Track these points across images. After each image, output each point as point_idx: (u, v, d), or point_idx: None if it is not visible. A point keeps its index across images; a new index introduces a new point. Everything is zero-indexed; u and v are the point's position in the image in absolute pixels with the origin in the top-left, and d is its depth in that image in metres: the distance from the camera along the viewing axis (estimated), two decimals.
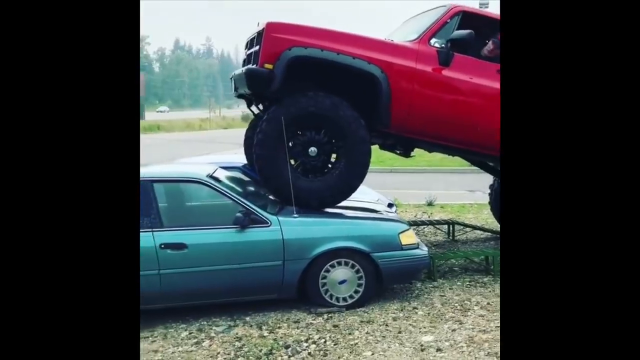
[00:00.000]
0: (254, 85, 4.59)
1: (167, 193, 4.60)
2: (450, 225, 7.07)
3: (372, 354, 3.58)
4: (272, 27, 4.59)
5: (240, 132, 6.88)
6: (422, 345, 3.69)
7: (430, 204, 9.57)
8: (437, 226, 7.29)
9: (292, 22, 4.73)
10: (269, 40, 4.55)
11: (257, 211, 4.32)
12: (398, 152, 5.68)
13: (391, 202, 6.48)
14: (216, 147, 19.87)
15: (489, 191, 7.35)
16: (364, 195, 6.06)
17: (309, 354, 3.62)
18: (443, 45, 4.94)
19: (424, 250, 4.69)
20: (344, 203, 5.02)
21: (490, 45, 5.15)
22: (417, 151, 5.91)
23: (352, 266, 4.39)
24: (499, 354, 3.54)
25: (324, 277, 4.35)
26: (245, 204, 4.33)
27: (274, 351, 3.66)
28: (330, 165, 4.83)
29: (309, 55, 4.56)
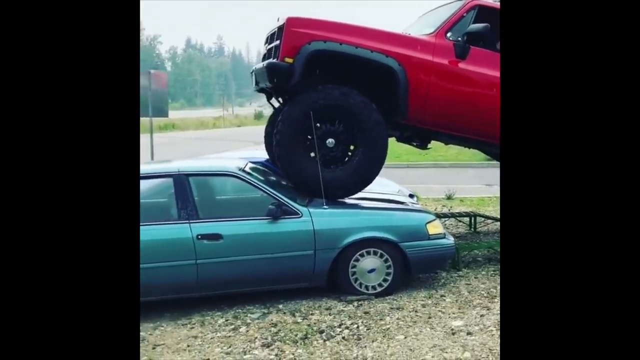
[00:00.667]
0: (275, 79, 4.72)
1: (202, 186, 4.75)
2: (472, 218, 7.17)
3: (405, 338, 3.72)
4: (292, 21, 4.71)
5: (253, 130, 7.05)
6: (452, 330, 3.82)
7: (449, 198, 9.67)
8: (459, 218, 7.38)
9: (312, 17, 4.83)
10: (289, 34, 4.67)
11: (288, 203, 4.47)
12: (415, 144, 5.77)
13: (411, 193, 6.60)
14: (231, 145, 20.08)
15: None
16: (386, 187, 6.19)
17: (343, 338, 3.76)
18: (459, 39, 5.03)
19: (450, 240, 4.81)
20: (371, 195, 5.15)
21: None
22: (433, 146, 6.03)
23: (381, 255, 4.53)
24: None
25: (354, 266, 4.49)
26: (277, 196, 4.48)
27: (309, 336, 3.81)
28: (350, 154, 4.92)
29: (328, 49, 4.67)
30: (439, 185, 10.74)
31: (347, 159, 4.92)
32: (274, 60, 4.77)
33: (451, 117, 5.10)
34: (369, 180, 4.95)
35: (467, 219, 7.31)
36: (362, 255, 4.50)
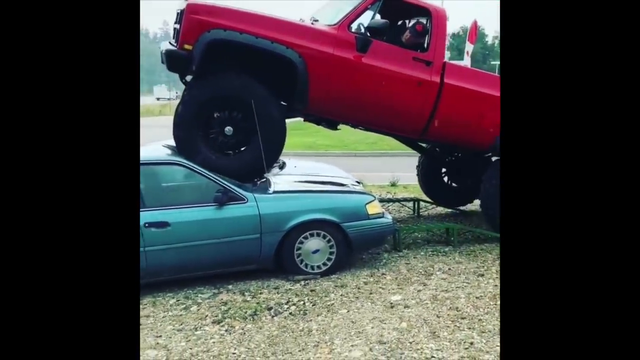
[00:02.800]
0: (173, 66, 4.73)
1: (148, 175, 4.79)
2: (416, 203, 7.54)
3: (348, 312, 3.99)
4: (192, 7, 4.64)
5: None
6: (391, 303, 4.12)
7: (393, 185, 10.04)
8: (403, 203, 7.74)
9: (213, 4, 4.79)
10: (189, 21, 4.61)
11: (234, 189, 4.64)
12: (323, 125, 5.96)
13: (358, 180, 6.88)
14: None
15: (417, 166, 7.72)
16: (334, 172, 6.43)
17: (290, 313, 4.00)
18: (361, 32, 5.09)
19: (388, 219, 5.13)
20: (313, 178, 5.39)
21: (407, 33, 5.42)
22: (379, 136, 6.31)
23: (324, 237, 4.77)
24: (459, 308, 4.00)
25: (299, 248, 4.72)
26: (223, 182, 4.63)
27: (257, 312, 4.02)
28: (247, 143, 4.98)
29: (227, 38, 4.66)
30: (385, 173, 11.10)
31: (244, 148, 4.99)
32: (173, 48, 4.76)
33: (352, 109, 5.23)
34: (262, 171, 5.04)
35: (410, 204, 7.67)
36: (306, 238, 4.73)
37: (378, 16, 5.23)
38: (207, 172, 4.67)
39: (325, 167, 6.48)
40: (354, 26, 5.21)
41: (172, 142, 4.98)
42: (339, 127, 5.90)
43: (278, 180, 5.21)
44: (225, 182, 4.65)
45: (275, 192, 4.80)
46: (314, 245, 4.77)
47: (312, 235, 4.75)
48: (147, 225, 4.34)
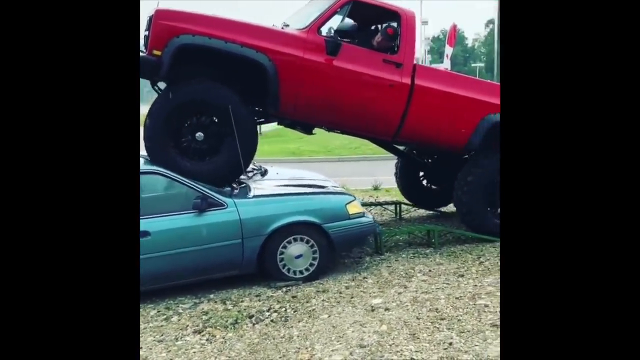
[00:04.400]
0: (142, 72, 4.69)
1: None
2: (397, 206, 7.58)
3: (329, 317, 3.99)
4: (160, 14, 4.67)
5: None
6: (372, 307, 4.13)
7: (376, 188, 10.10)
8: (385, 207, 7.78)
9: (182, 10, 4.80)
10: (157, 27, 4.64)
11: (213, 195, 4.64)
12: (298, 129, 6.01)
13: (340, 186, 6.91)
14: None
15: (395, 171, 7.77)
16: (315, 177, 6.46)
17: (272, 320, 4.00)
18: (331, 35, 5.10)
19: (369, 218, 5.18)
20: (292, 182, 5.41)
21: (378, 36, 5.46)
22: (362, 141, 6.36)
23: (307, 242, 4.78)
24: (438, 309, 4.03)
25: (282, 253, 4.72)
26: (201, 189, 4.63)
27: (238, 321, 4.01)
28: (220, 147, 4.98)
29: (196, 43, 4.67)
30: (368, 178, 11.16)
31: (216, 152, 4.97)
32: (142, 54, 4.74)
33: (324, 112, 5.26)
34: (239, 172, 5.08)
35: (392, 207, 7.72)
36: (289, 242, 4.74)
37: (348, 20, 5.27)
38: (185, 179, 4.67)
39: (306, 174, 6.52)
40: (327, 31, 5.21)
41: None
42: (314, 131, 5.93)
43: (258, 185, 5.23)
44: (204, 189, 4.65)
45: (255, 196, 4.81)
46: (296, 250, 4.78)
47: (295, 240, 4.76)
48: None
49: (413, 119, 5.43)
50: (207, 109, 4.83)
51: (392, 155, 7.33)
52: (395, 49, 5.42)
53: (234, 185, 5.18)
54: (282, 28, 5.31)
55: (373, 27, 5.96)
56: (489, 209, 5.89)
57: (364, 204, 7.52)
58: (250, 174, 5.88)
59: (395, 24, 5.42)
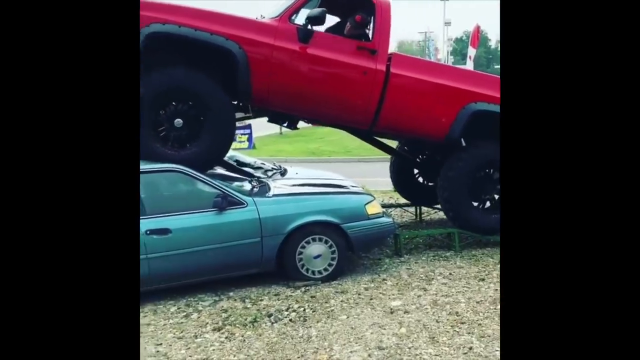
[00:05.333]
0: None
1: (147, 183, 4.81)
2: (418, 207, 7.52)
3: (347, 318, 3.99)
4: None
5: None
6: (391, 309, 4.11)
7: (396, 190, 10.02)
8: (405, 208, 7.73)
9: (156, 1, 4.86)
10: None
11: (233, 194, 4.66)
12: (285, 125, 5.98)
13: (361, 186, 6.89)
14: None
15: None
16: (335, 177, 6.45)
17: (290, 320, 4.00)
18: (303, 23, 5.08)
19: (388, 219, 5.16)
20: (312, 180, 5.41)
21: (347, 25, 5.44)
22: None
23: (326, 242, 4.78)
24: (459, 313, 3.99)
25: (300, 253, 4.73)
26: (222, 188, 4.66)
27: (257, 319, 4.02)
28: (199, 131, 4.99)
29: (166, 31, 4.73)
30: (388, 179, 11.08)
31: (194, 139, 4.97)
32: None
33: (298, 101, 5.24)
34: (222, 155, 5.12)
35: (412, 209, 7.66)
36: (308, 242, 4.74)
37: (319, 8, 5.19)
38: (205, 177, 4.70)
39: (326, 174, 6.51)
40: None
41: None
42: (298, 126, 5.97)
43: (278, 184, 5.24)
44: (225, 187, 4.67)
45: (274, 195, 4.82)
46: (315, 250, 4.78)
47: (314, 240, 4.76)
48: (148, 232, 4.36)
49: (390, 108, 5.36)
50: (184, 95, 4.85)
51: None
52: (370, 36, 5.39)
53: (254, 184, 5.20)
54: (257, 18, 5.31)
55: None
56: (475, 204, 5.79)
57: (383, 206, 7.48)
58: (270, 173, 5.90)
59: (368, 13, 5.38)
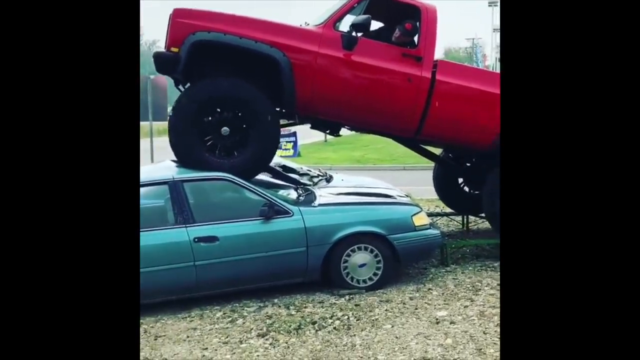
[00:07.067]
0: (161, 67, 4.94)
1: (196, 191, 4.90)
2: (464, 217, 7.38)
3: (392, 327, 3.95)
4: (178, 12, 4.86)
5: None
6: (437, 319, 4.05)
7: (440, 199, 9.86)
8: (451, 217, 7.60)
9: (199, 8, 4.96)
10: (175, 25, 4.84)
11: (279, 203, 4.70)
12: (327, 131, 5.96)
13: (406, 194, 6.82)
14: None
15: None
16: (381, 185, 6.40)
17: (334, 328, 4.00)
18: (348, 30, 5.05)
19: (436, 231, 5.07)
20: (359, 190, 5.39)
21: (397, 31, 5.34)
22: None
23: (371, 251, 4.75)
24: None
25: (345, 262, 4.72)
26: (269, 197, 4.70)
27: (302, 326, 4.04)
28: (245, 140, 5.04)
29: (211, 39, 4.81)
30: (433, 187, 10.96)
31: (241, 147, 5.01)
32: (161, 50, 4.99)
33: (342, 108, 5.21)
34: (266, 162, 5.16)
35: (459, 218, 7.52)
36: (353, 251, 4.72)
37: (364, 15, 5.14)
38: (252, 186, 4.75)
39: (371, 181, 6.48)
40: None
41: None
42: (340, 132, 5.96)
43: (323, 193, 5.25)
44: (271, 196, 4.72)
45: (320, 204, 4.84)
46: (360, 259, 4.76)
47: (359, 249, 4.74)
48: (196, 240, 4.46)
49: (435, 115, 5.27)
50: (231, 104, 4.91)
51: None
52: (415, 43, 5.32)
53: (300, 192, 5.23)
54: (301, 26, 5.32)
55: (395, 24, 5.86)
56: None
57: (429, 214, 7.37)
58: (315, 180, 5.92)
59: (414, 19, 5.31)
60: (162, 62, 4.91)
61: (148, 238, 4.38)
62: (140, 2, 2.42)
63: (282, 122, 5.84)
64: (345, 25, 5.17)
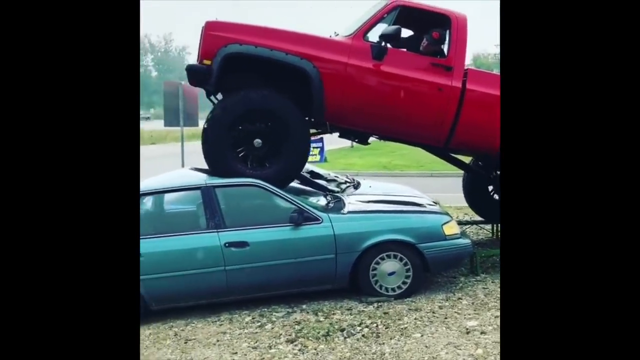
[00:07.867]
0: (194, 79, 5.02)
1: (228, 197, 4.94)
2: (494, 225, 7.28)
3: (421, 336, 3.92)
4: (210, 25, 4.96)
5: None
6: (467, 329, 4.00)
7: (470, 207, 9.76)
8: (481, 225, 7.51)
9: (231, 21, 5.06)
10: (207, 37, 4.93)
11: (309, 210, 4.71)
12: (356, 140, 5.96)
13: (435, 201, 6.76)
14: None
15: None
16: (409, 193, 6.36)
17: (363, 335, 3.98)
18: (377, 40, 5.06)
19: (466, 240, 5.02)
20: (389, 198, 5.38)
21: (424, 41, 5.31)
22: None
23: (400, 259, 4.73)
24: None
25: (374, 269, 4.70)
26: (299, 203, 4.72)
27: (330, 333, 4.04)
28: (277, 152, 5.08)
29: (243, 51, 4.88)
30: (461, 194, 10.84)
31: (274, 157, 5.06)
32: (193, 63, 5.06)
33: (372, 118, 5.21)
34: (294, 177, 5.22)
35: (489, 226, 7.43)
36: (382, 259, 4.71)
37: (394, 25, 5.14)
38: (282, 192, 4.78)
39: (400, 188, 6.45)
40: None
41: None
42: (369, 141, 5.99)
43: (352, 200, 5.25)
44: (301, 203, 4.74)
45: (349, 212, 4.84)
46: (389, 267, 4.74)
47: (388, 257, 4.73)
48: (227, 244, 4.50)
49: (465, 125, 5.23)
50: (264, 116, 4.96)
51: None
52: (445, 52, 5.28)
53: (329, 199, 5.24)
54: (330, 37, 5.35)
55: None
56: None
57: (458, 223, 7.29)
58: (343, 186, 5.92)
59: (443, 28, 5.28)
60: (195, 75, 5.01)
61: (180, 242, 4.45)
62: (140, 2, 2.43)
63: (312, 131, 5.87)
64: (374, 35, 5.18)
